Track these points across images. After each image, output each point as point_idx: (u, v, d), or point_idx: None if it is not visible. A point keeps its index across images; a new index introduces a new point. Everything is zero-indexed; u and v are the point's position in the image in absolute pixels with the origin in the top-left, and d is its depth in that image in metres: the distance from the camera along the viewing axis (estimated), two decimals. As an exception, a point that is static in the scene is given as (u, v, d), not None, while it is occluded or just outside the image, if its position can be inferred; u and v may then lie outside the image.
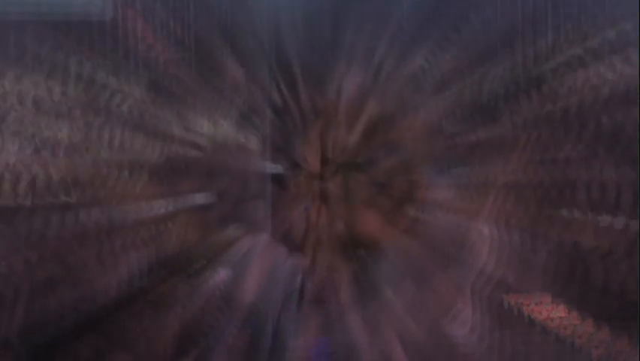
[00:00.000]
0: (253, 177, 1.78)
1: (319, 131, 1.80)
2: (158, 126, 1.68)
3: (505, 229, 1.66)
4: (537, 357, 1.60)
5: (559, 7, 1.62)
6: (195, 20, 1.70)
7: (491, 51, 1.67)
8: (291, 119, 1.80)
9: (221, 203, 1.73)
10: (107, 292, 1.58)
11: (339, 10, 1.74)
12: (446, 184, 1.74)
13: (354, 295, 1.75)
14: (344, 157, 1.81)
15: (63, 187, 1.53)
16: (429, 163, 1.76)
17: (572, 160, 1.55)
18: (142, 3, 1.63)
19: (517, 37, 1.64)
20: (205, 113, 1.73)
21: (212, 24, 1.70)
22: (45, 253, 1.50)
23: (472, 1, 1.69)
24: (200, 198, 1.72)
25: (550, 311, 1.83)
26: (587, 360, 1.74)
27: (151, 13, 1.66)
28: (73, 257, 1.55)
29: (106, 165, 1.59)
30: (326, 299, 1.75)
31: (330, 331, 1.72)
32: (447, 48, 1.71)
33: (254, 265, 1.75)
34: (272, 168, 1.77)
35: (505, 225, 1.66)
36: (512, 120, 1.66)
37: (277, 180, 1.78)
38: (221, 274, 1.72)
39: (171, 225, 1.69)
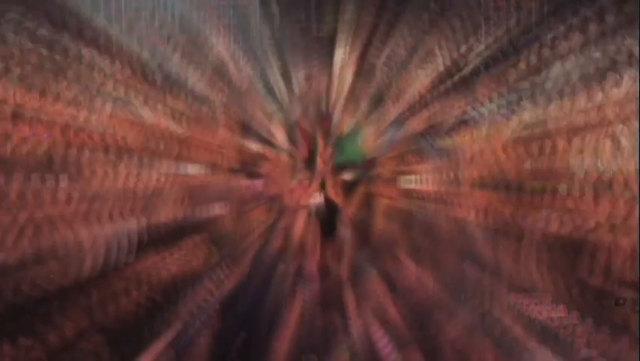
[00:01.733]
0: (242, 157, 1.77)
1: (305, 110, 1.80)
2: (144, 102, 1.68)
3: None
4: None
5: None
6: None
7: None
8: (280, 99, 1.80)
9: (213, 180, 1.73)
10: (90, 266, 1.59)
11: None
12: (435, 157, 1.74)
13: (343, 273, 1.74)
14: (333, 135, 1.81)
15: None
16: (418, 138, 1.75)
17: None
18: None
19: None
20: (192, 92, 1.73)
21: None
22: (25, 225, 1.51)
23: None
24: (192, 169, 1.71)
25: (550, 311, 1.82)
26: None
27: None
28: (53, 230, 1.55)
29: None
30: (315, 277, 1.73)
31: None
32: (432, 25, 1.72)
33: (242, 246, 1.74)
34: (258, 147, 1.77)
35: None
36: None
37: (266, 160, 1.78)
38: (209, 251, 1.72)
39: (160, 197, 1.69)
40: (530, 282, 1.66)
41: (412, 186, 1.78)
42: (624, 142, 1.44)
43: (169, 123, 1.71)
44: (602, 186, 1.48)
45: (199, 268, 1.73)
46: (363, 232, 1.78)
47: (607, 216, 1.49)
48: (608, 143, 1.46)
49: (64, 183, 1.54)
